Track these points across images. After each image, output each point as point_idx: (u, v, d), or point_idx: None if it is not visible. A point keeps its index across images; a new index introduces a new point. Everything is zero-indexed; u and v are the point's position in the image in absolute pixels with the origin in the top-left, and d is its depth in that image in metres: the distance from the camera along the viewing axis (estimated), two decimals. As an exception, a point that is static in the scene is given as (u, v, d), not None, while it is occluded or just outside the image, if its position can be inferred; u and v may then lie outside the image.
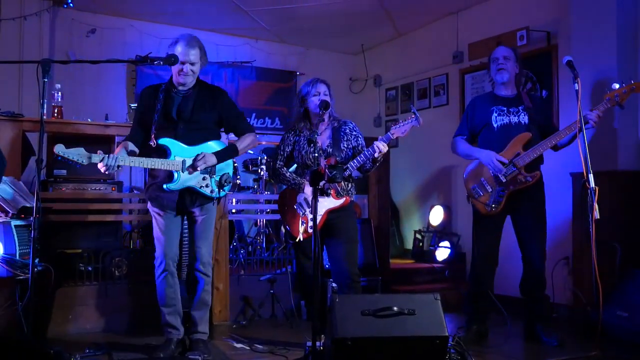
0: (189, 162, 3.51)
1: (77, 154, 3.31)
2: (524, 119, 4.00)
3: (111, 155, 3.36)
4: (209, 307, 3.81)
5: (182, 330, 3.74)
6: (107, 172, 3.43)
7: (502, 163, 3.92)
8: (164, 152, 3.53)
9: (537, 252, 4.03)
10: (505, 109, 4.06)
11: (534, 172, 3.93)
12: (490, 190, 3.97)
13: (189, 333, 3.74)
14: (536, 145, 3.88)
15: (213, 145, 3.64)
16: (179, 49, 3.51)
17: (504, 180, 3.92)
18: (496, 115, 4.06)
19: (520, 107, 4.03)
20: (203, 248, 3.71)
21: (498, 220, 4.06)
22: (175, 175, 3.51)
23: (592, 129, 3.84)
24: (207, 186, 3.59)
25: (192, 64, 3.53)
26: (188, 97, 3.60)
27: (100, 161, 3.33)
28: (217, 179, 3.60)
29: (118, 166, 3.38)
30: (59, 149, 3.25)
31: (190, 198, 3.60)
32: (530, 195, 3.99)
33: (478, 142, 4.18)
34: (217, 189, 3.60)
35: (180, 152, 3.54)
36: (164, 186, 3.53)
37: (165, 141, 3.53)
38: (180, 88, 3.60)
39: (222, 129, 3.86)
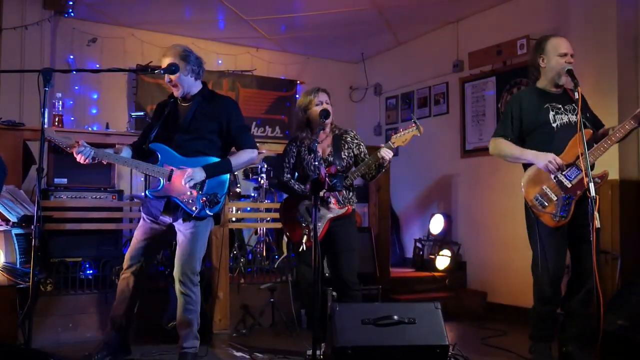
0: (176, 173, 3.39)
1: (65, 141, 3.34)
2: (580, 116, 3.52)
3: (99, 150, 3.37)
4: (193, 326, 3.49)
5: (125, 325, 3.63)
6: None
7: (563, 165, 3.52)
8: (156, 159, 3.46)
9: (591, 265, 3.39)
10: (560, 106, 3.63)
11: (601, 173, 3.50)
12: (555, 199, 3.52)
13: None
14: (599, 143, 3.49)
15: (209, 160, 3.46)
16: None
17: (569, 186, 3.50)
18: (553, 113, 3.61)
19: (573, 105, 3.61)
20: (183, 263, 3.43)
21: (563, 230, 3.58)
22: (161, 182, 3.41)
23: None
24: (191, 202, 3.37)
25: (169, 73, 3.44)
26: (189, 107, 3.54)
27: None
28: (205, 197, 3.38)
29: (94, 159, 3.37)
30: (49, 132, 3.24)
31: (174, 211, 3.46)
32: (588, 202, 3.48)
33: (530, 143, 3.66)
34: (201, 207, 3.37)
35: (170, 161, 3.43)
36: (146, 192, 3.48)
37: (156, 146, 3.46)
38: (182, 98, 3.57)
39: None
